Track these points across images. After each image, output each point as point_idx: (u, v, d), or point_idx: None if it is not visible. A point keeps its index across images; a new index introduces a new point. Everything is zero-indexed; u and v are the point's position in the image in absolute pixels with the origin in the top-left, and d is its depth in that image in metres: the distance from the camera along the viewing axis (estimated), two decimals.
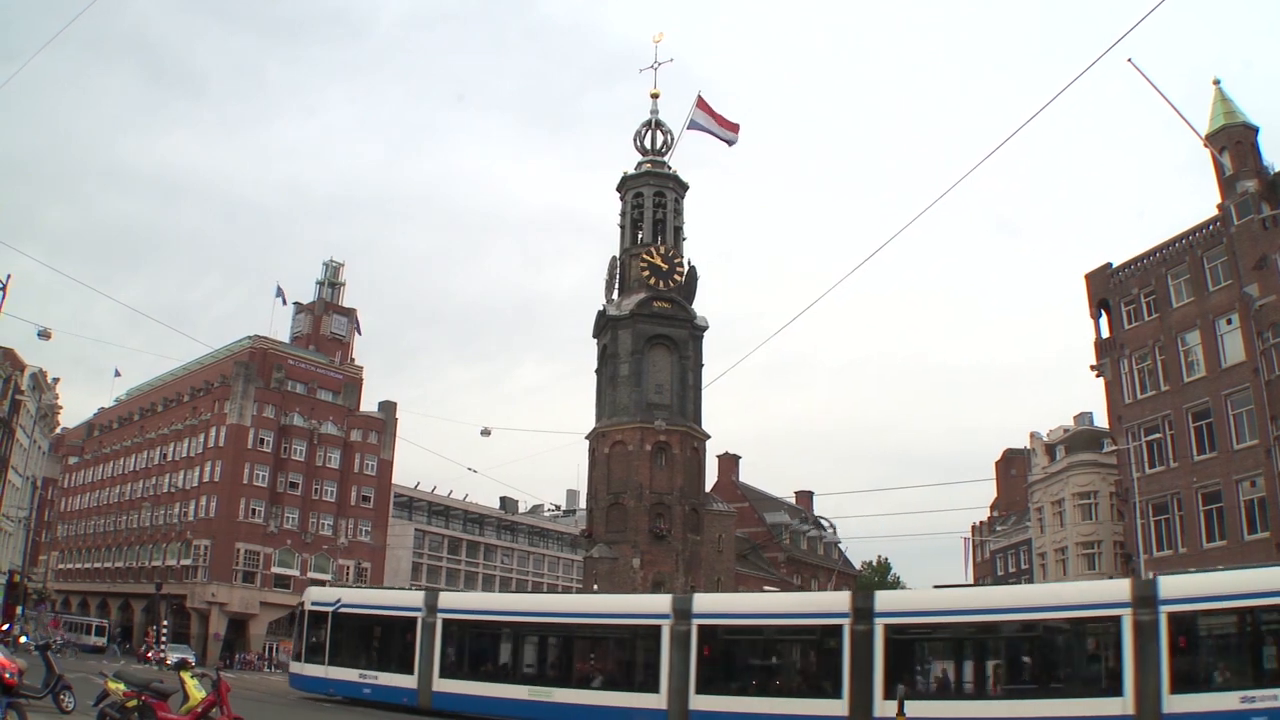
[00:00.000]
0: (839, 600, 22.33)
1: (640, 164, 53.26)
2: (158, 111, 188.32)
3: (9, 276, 28.31)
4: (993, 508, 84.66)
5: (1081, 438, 58.45)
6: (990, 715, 19.47)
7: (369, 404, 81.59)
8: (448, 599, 28.19)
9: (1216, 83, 39.85)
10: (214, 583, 65.71)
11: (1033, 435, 65.02)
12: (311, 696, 27.81)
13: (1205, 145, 38.58)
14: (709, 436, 51.68)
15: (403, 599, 28.71)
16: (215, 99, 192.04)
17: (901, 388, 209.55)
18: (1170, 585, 19.25)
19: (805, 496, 76.95)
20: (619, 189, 53.49)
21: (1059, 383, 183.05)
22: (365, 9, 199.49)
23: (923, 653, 21.53)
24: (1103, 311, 43.64)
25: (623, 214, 53.26)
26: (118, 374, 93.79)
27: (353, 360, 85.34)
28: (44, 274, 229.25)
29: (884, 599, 21.92)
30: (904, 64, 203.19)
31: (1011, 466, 79.06)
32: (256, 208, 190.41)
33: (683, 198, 53.58)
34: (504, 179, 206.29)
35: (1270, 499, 33.99)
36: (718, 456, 66.36)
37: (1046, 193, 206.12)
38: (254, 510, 69.59)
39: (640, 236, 52.31)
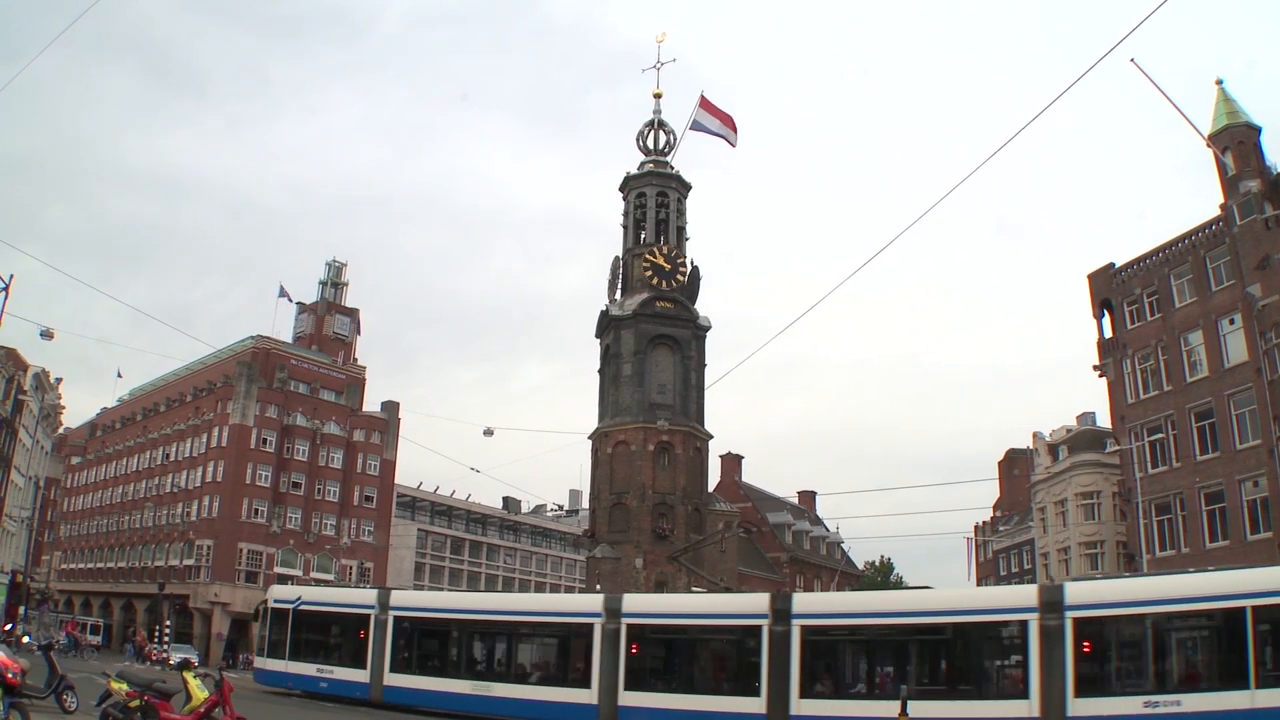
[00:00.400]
0: (758, 602, 22.59)
1: (643, 164, 53.24)
2: (160, 111, 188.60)
3: (11, 276, 28.32)
4: (995, 508, 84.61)
5: (1084, 438, 58.43)
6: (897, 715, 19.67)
7: (372, 404, 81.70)
8: (399, 597, 28.73)
9: (1219, 83, 39.82)
10: (217, 583, 65.79)
11: (1035, 435, 65.01)
12: (276, 691, 28.37)
13: (1208, 145, 38.53)
14: (712, 436, 51.71)
15: (357, 597, 29.26)
16: (218, 98, 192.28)
17: (904, 388, 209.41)
18: (1076, 591, 19.88)
19: (808, 496, 76.88)
20: (621, 189, 53.50)
21: (1061, 383, 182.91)
22: (367, 8, 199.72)
23: (838, 653, 21.92)
24: (1105, 311, 43.61)
25: (625, 214, 53.26)
26: (120, 374, 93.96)
27: (355, 360, 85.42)
28: (46, 274, 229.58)
29: (801, 601, 22.37)
30: (906, 64, 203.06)
31: (1014, 466, 79.02)
32: (259, 207, 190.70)
33: (685, 198, 53.57)
34: (507, 178, 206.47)
35: (1273, 499, 33.96)
36: (720, 457, 66.43)
37: (1049, 193, 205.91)
38: (257, 510, 69.67)
39: (643, 236, 52.31)
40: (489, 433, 45.17)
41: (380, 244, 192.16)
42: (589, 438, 51.43)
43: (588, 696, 22.61)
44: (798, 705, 20.26)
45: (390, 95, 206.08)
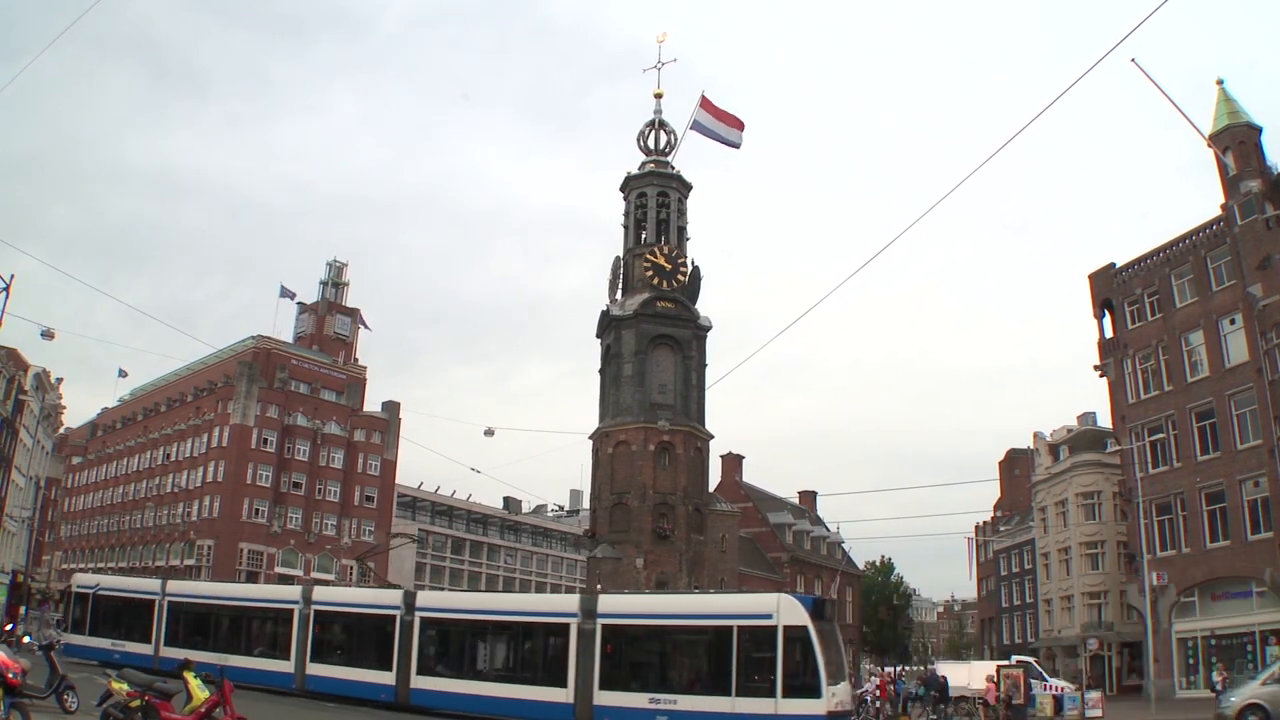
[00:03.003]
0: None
1: (644, 164, 53.18)
2: (161, 110, 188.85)
3: (12, 276, 28.29)
4: (996, 508, 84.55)
5: (1085, 438, 58.38)
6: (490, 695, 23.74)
7: (372, 404, 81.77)
8: (175, 586, 32.44)
9: (1220, 83, 39.80)
10: (217, 583, 65.74)
11: (1036, 435, 64.97)
12: (84, 663, 29.14)
13: (1209, 145, 38.50)
14: (712, 437, 51.66)
15: (144, 585, 33.61)
16: (218, 98, 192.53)
17: (904, 388, 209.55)
18: (605, 602, 23.66)
19: (809, 496, 76.78)
20: (622, 189, 53.45)
21: (1062, 383, 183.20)
22: (367, 7, 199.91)
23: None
24: (1106, 312, 43.59)
25: (626, 214, 53.20)
26: (122, 374, 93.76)
27: (356, 360, 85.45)
28: (47, 274, 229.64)
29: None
30: (907, 65, 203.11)
31: (1015, 466, 78.96)
32: (260, 207, 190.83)
33: (686, 198, 53.51)
34: (507, 178, 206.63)
35: (1274, 499, 33.95)
36: (721, 457, 66.31)
37: (1050, 193, 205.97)
38: (257, 510, 69.70)
39: (644, 236, 52.25)
40: (489, 433, 45.19)
41: (381, 243, 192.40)
42: (590, 438, 51.39)
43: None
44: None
45: (391, 94, 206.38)
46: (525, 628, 24.97)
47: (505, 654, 25.27)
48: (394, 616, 25.45)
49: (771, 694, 20.26)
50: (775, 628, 20.55)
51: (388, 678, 25.02)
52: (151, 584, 32.91)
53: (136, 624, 31.23)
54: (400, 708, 25.03)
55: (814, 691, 19.89)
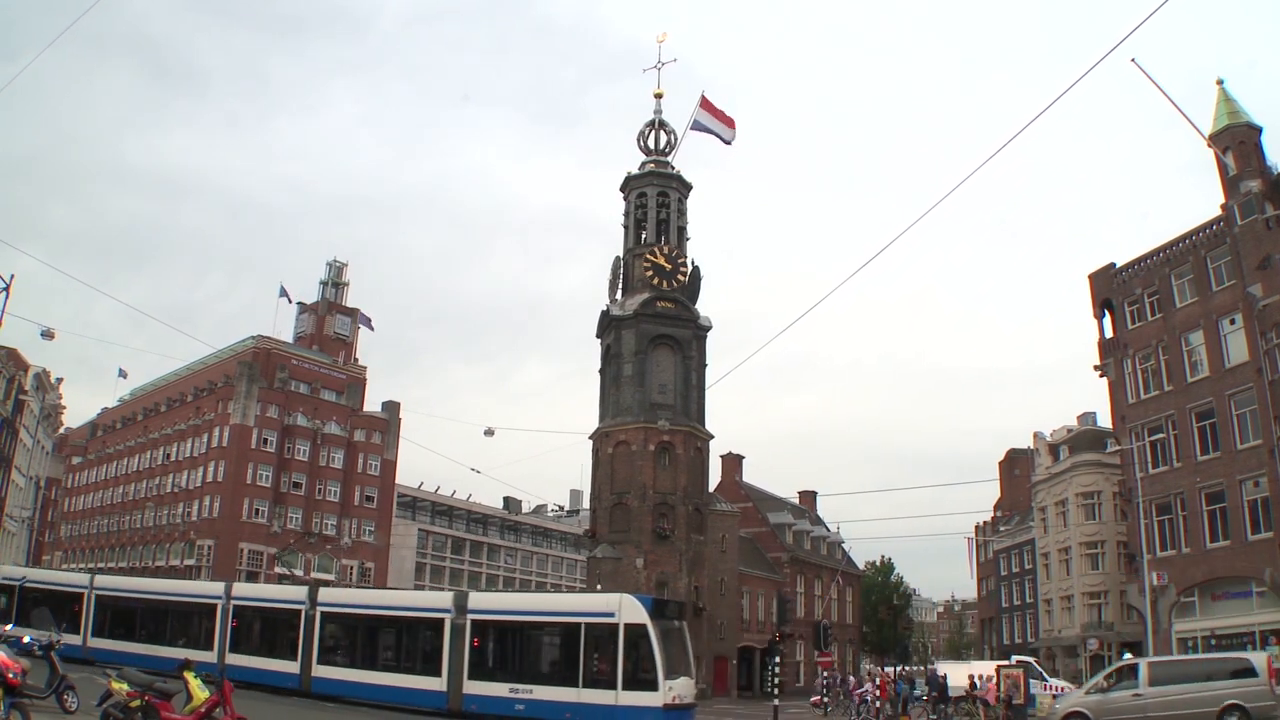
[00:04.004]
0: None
1: (644, 164, 53.18)
2: (160, 110, 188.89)
3: (12, 277, 28.30)
4: (996, 508, 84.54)
5: (1085, 438, 58.38)
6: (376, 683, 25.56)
7: (372, 404, 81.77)
8: (103, 580, 34.17)
9: (1220, 83, 39.77)
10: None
11: (1036, 435, 64.96)
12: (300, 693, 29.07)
13: (1209, 145, 38.46)
14: (712, 437, 51.66)
15: (72, 579, 35.18)
16: (218, 97, 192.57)
17: (904, 388, 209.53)
18: (475, 599, 25.71)
19: (809, 496, 76.69)
20: (622, 189, 53.45)
21: (1062, 383, 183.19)
22: (366, 6, 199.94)
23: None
24: (1106, 312, 43.57)
25: (626, 214, 53.21)
26: (123, 374, 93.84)
27: (356, 360, 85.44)
28: (46, 273, 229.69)
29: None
30: (907, 65, 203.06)
31: (1015, 466, 78.95)
32: (260, 207, 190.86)
33: (686, 198, 53.52)
34: (507, 178, 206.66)
35: (1274, 499, 33.93)
36: (721, 457, 66.22)
37: (1050, 193, 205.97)
38: (257, 510, 69.68)
39: (644, 236, 52.26)
40: (489, 433, 45.18)
41: (381, 243, 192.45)
42: (590, 438, 51.39)
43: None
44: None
45: (390, 93, 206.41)
46: (408, 622, 26.60)
47: (392, 646, 26.82)
48: (299, 611, 27.36)
49: (613, 686, 21.91)
50: (617, 625, 22.21)
51: (293, 667, 26.91)
52: (80, 578, 35.02)
53: (64, 615, 31.83)
54: (302, 694, 26.57)
55: (651, 685, 21.53)
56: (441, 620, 25.01)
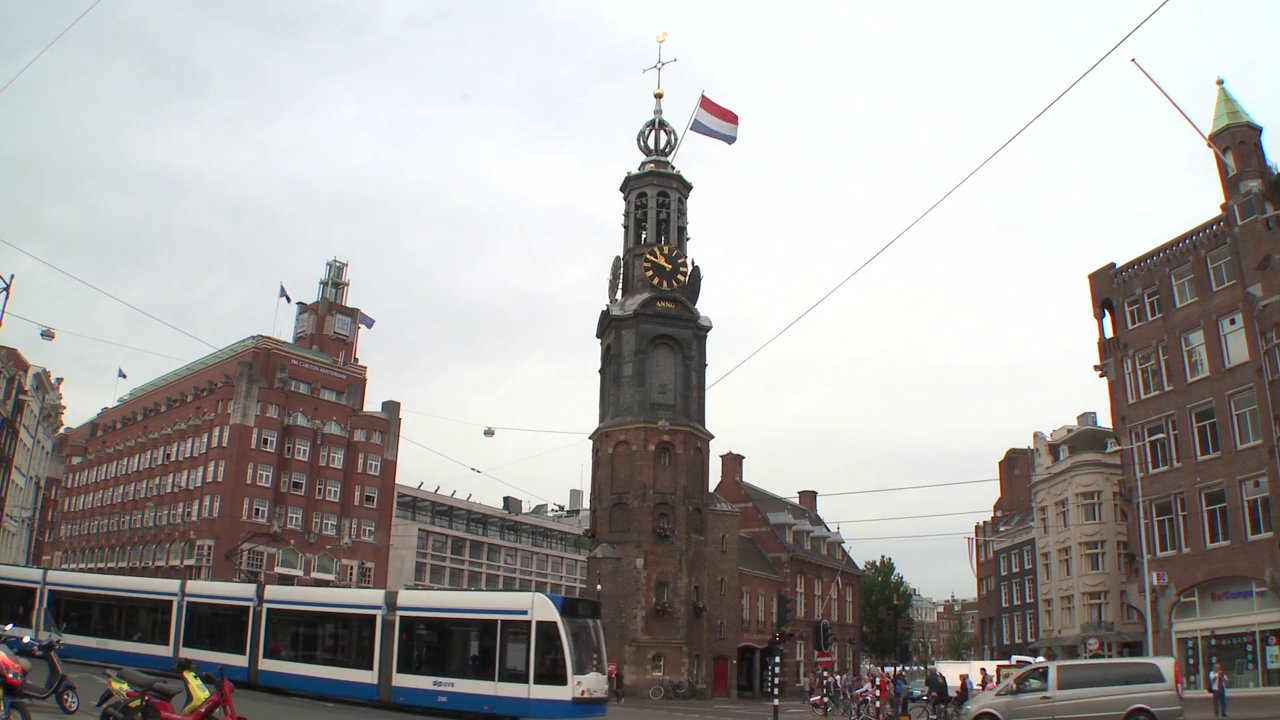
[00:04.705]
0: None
1: (644, 164, 53.21)
2: (159, 109, 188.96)
3: (13, 277, 28.38)
4: (996, 508, 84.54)
5: (1085, 438, 58.37)
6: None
7: (372, 404, 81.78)
8: (55, 576, 35.25)
9: (1220, 82, 39.75)
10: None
11: (1036, 435, 64.91)
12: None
13: (1209, 145, 38.47)
14: (712, 436, 51.68)
15: (25, 575, 36.01)
16: (217, 96, 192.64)
17: (905, 388, 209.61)
18: (404, 597, 26.92)
19: (809, 496, 76.67)
20: (622, 189, 53.47)
21: (1062, 383, 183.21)
22: (365, 5, 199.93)
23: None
24: (1106, 311, 43.56)
25: (626, 214, 53.24)
26: (122, 374, 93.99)
27: (356, 360, 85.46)
28: (46, 273, 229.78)
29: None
30: (907, 64, 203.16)
31: (1015, 466, 78.93)
32: (259, 206, 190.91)
33: (686, 198, 53.55)
34: (507, 177, 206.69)
35: (1274, 499, 33.92)
36: (721, 457, 66.22)
37: (1050, 192, 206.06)
38: (258, 510, 69.68)
39: (644, 236, 52.29)
40: (489, 433, 45.18)
41: (381, 242, 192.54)
42: (590, 438, 51.42)
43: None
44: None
45: (390, 92, 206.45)
46: (344, 618, 27.70)
47: (331, 640, 28.02)
48: (248, 608, 28.58)
49: (526, 680, 22.94)
50: (530, 623, 23.22)
51: (242, 660, 27.85)
52: (33, 573, 36.02)
53: (16, 609, 32.60)
54: (250, 686, 27.05)
55: (561, 679, 22.59)
56: (374, 617, 26.13)
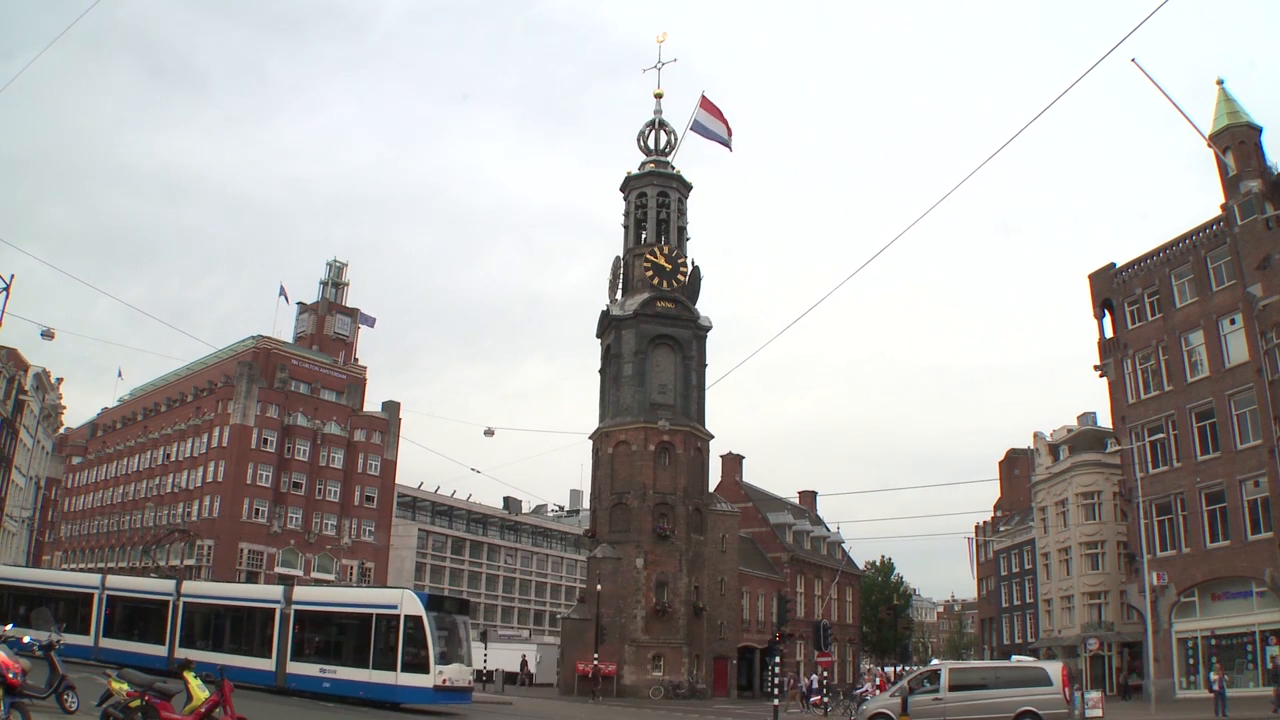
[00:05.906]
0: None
1: (644, 164, 53.17)
2: (159, 109, 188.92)
3: (13, 277, 28.38)
4: (996, 508, 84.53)
5: (1085, 438, 58.36)
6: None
7: (372, 404, 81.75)
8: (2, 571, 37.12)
9: (1220, 83, 39.77)
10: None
11: (1036, 435, 64.90)
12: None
13: (1209, 145, 38.49)
14: (712, 436, 51.65)
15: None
16: (216, 95, 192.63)
17: (904, 388, 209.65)
18: (299, 592, 29.73)
19: (809, 496, 76.63)
20: (622, 189, 53.43)
21: (1062, 383, 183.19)
22: (365, 5, 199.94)
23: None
24: (1106, 311, 43.58)
25: (626, 214, 53.20)
26: (121, 375, 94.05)
27: (356, 360, 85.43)
28: (45, 273, 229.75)
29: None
30: (907, 64, 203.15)
31: (1015, 466, 78.92)
32: (259, 206, 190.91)
33: (686, 198, 53.51)
34: (507, 176, 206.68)
35: (1274, 499, 33.95)
36: (721, 457, 66.14)
37: (1050, 192, 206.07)
38: (258, 510, 69.67)
39: (644, 236, 52.26)
40: (489, 433, 45.21)
41: (381, 242, 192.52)
42: (590, 438, 51.39)
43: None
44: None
45: (389, 91, 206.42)
46: (249, 611, 29.87)
47: (239, 631, 29.95)
48: (168, 602, 30.70)
49: (394, 668, 25.35)
50: (399, 616, 25.63)
51: (161, 650, 29.86)
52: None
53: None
54: (169, 674, 27.16)
55: (424, 669, 25.06)
56: (274, 610, 28.40)
